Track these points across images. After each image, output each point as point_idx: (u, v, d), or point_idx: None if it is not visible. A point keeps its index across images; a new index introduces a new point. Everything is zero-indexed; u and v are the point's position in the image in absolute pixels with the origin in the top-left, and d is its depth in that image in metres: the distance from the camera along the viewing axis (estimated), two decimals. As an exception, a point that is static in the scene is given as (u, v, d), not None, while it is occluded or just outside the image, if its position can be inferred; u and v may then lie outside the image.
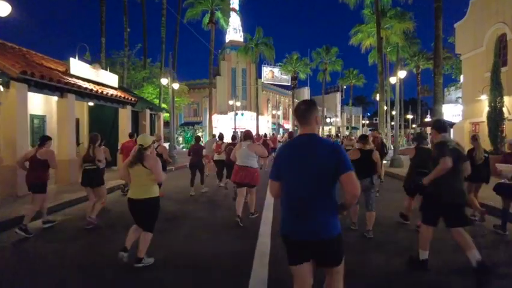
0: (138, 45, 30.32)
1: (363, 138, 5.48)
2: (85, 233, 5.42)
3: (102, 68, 14.29)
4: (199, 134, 33.42)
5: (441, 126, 3.95)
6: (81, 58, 12.13)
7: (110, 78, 14.06)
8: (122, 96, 13.31)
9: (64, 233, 5.46)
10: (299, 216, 2.15)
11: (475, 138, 6.05)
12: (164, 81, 17.70)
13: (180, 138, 33.25)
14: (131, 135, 9.11)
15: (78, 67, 11.62)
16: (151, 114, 16.61)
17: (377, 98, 37.13)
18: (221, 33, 40.18)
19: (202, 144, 9.74)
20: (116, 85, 14.34)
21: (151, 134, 16.16)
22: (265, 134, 21.00)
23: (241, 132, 10.19)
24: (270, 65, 47.87)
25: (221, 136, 10.06)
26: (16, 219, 5.64)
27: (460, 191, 3.72)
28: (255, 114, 35.32)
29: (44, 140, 5.60)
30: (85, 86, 10.70)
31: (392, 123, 45.45)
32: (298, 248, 2.18)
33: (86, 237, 5.22)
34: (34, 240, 5.06)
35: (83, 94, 10.65)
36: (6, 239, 5.07)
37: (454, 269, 3.91)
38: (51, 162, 5.51)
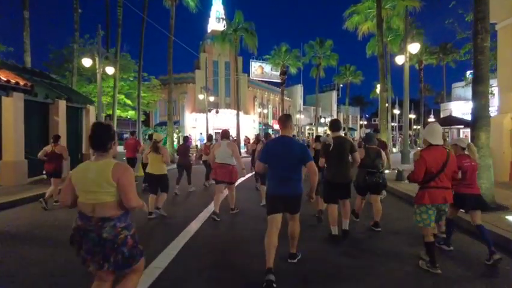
0: (99, 32, 25.98)
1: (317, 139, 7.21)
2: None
3: None
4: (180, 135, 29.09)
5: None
6: None
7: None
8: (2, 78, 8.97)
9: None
10: (281, 183, 3.76)
11: None
12: (110, 70, 13.28)
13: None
14: (132, 133, 11.33)
15: None
16: (71, 108, 12.29)
17: (377, 94, 32.89)
18: (202, 22, 35.94)
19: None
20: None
21: (71, 132, 11.90)
22: (245, 137, 16.79)
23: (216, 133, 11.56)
24: (260, 59, 43.58)
25: (210, 137, 11.67)
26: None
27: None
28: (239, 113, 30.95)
29: (57, 138, 7.52)
30: None
31: (393, 123, 41.43)
32: (277, 200, 3.77)
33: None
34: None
35: None
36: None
37: None
38: (64, 155, 7.47)
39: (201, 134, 28.63)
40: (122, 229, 2.33)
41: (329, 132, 5.36)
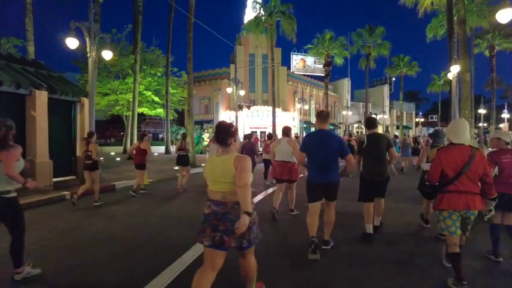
0: (128, 26, 24.35)
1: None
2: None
3: None
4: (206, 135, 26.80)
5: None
6: None
7: None
8: None
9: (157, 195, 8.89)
10: (320, 172, 4.18)
11: None
12: (107, 55, 10.83)
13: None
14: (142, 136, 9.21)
15: None
16: (59, 101, 10.04)
17: (436, 87, 27.71)
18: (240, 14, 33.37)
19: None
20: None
21: (58, 130, 9.72)
22: (269, 134, 13.66)
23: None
24: (301, 52, 40.06)
25: (270, 136, 12.23)
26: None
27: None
28: (274, 109, 27.81)
29: (143, 135, 8.99)
30: None
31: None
32: (317, 188, 4.22)
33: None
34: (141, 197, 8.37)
35: None
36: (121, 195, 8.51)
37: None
38: (148, 150, 8.75)
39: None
40: (253, 210, 2.62)
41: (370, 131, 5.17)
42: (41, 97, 9.29)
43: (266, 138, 13.78)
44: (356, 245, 4.61)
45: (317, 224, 4.16)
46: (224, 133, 2.72)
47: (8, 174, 3.37)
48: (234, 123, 26.64)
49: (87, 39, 9.98)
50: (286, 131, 6.57)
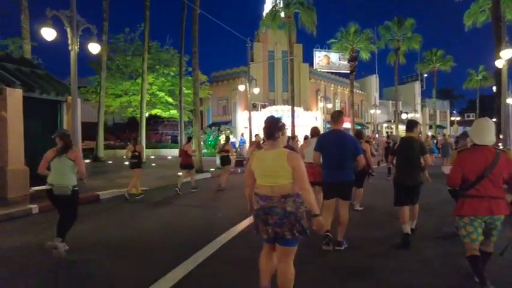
0: (141, 25, 23.45)
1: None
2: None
3: None
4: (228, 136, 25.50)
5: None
6: None
7: None
8: None
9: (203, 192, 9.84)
10: (334, 171, 4.33)
11: None
12: (93, 48, 9.65)
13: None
14: (189, 138, 10.83)
15: None
16: (40, 100, 8.94)
17: (473, 83, 25.38)
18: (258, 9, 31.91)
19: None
20: None
21: (38, 132, 8.64)
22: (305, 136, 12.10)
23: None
24: (324, 48, 37.95)
25: (306, 137, 11.04)
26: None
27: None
28: (296, 108, 26.04)
29: (189, 139, 10.47)
30: None
31: (494, 119, 32.07)
32: (331, 187, 4.43)
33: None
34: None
35: None
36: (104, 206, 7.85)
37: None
38: (191, 153, 9.75)
39: (242, 135, 24.63)
40: (301, 204, 2.75)
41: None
42: (14, 95, 8.20)
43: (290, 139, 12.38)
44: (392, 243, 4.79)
45: (331, 219, 4.54)
46: (272, 127, 2.82)
47: (83, 177, 4.78)
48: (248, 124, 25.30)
49: (68, 30, 8.77)
50: (316, 131, 6.59)
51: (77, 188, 4.58)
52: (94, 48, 9.65)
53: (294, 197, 2.70)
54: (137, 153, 8.77)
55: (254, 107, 22.29)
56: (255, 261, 3.06)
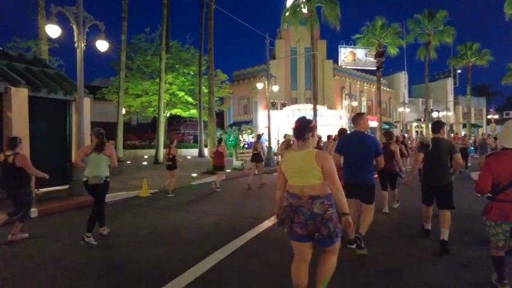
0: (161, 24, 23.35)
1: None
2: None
3: None
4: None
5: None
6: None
7: None
8: None
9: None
10: (354, 172, 4.32)
11: None
12: (101, 45, 9.35)
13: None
14: (220, 140, 11.45)
15: None
16: (49, 100, 8.71)
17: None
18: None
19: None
20: None
21: (47, 133, 8.39)
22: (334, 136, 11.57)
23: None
24: (350, 45, 36.61)
25: (329, 137, 11.10)
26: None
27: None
28: (319, 107, 25.08)
29: (220, 141, 10.93)
30: None
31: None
32: (352, 188, 4.24)
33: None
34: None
35: None
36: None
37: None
38: (225, 153, 10.23)
39: (262, 134, 23.95)
40: (329, 206, 2.76)
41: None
42: (19, 95, 8.01)
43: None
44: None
45: (355, 221, 4.33)
46: (302, 128, 2.85)
47: (115, 166, 5.60)
48: (272, 123, 24.74)
49: (74, 27, 8.49)
50: (343, 133, 6.68)
51: (109, 179, 5.28)
52: (102, 45, 9.36)
53: (323, 199, 2.72)
54: (171, 156, 9.25)
55: (273, 106, 21.57)
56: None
